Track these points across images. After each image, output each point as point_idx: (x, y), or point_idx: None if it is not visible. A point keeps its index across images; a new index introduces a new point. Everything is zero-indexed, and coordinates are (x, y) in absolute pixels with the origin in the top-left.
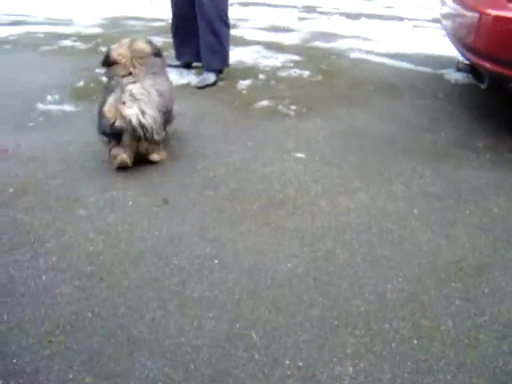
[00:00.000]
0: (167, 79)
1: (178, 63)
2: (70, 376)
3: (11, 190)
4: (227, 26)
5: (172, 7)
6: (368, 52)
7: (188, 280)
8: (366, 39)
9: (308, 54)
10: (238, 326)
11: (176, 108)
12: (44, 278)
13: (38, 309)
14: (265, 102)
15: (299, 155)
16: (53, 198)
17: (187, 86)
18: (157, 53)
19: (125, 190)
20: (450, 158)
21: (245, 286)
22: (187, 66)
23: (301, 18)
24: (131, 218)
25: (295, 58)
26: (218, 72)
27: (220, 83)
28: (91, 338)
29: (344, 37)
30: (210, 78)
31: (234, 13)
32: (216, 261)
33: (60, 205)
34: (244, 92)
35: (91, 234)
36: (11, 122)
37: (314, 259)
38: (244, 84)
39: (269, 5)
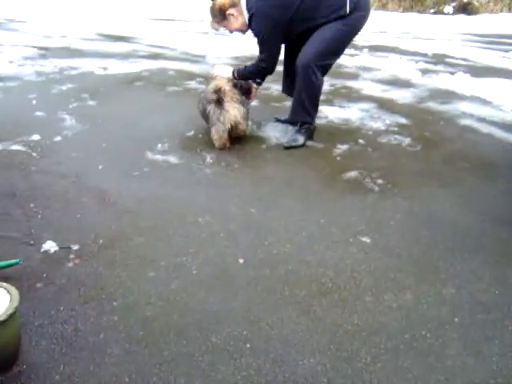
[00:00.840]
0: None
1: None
2: None
3: (101, 241)
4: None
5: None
6: (480, 119)
7: (218, 360)
8: (484, 102)
9: (417, 116)
10: None
11: (267, 171)
12: (102, 335)
13: (88, 365)
14: (353, 173)
15: (364, 239)
16: (133, 255)
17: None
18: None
19: (194, 257)
20: None
21: (264, 376)
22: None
23: (424, 71)
24: (191, 287)
25: (402, 121)
26: (308, 132)
27: (319, 145)
28: None
29: (462, 98)
30: (299, 139)
31: (362, 60)
32: (248, 345)
33: (136, 264)
34: (338, 159)
35: (153, 298)
36: (121, 168)
37: (337, 359)
38: (341, 149)
39: (400, 51)
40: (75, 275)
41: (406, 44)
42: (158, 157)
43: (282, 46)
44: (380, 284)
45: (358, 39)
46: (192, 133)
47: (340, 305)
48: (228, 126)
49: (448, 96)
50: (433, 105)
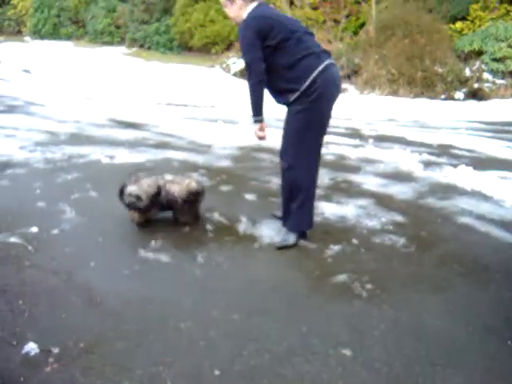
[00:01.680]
0: None
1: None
2: None
3: (82, 344)
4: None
5: None
6: (478, 217)
7: None
8: (485, 197)
9: (415, 214)
10: None
11: (255, 274)
12: None
13: None
14: (343, 277)
15: (345, 352)
16: (111, 362)
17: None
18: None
19: (171, 367)
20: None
21: None
22: None
23: (427, 164)
24: None
25: (399, 219)
26: (300, 233)
27: (311, 245)
28: None
29: (462, 193)
30: (290, 239)
31: (365, 151)
32: None
33: (113, 371)
34: (329, 260)
35: None
36: (112, 266)
37: None
38: (333, 250)
39: (405, 141)
40: (51, 381)
41: (412, 134)
42: (150, 255)
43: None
44: None
45: (365, 128)
46: (187, 229)
47: None
48: None
49: (448, 191)
50: (432, 201)
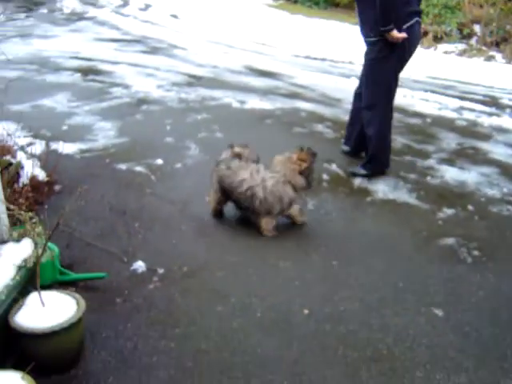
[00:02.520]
0: None
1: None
2: None
3: (185, 269)
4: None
5: None
6: None
7: None
8: None
9: None
10: None
11: (362, 225)
12: (155, 358)
13: (132, 383)
14: (450, 240)
15: (437, 312)
16: (209, 287)
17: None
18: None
19: (263, 300)
20: None
21: None
22: None
23: None
24: (250, 329)
25: None
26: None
27: (424, 206)
28: None
29: None
30: (361, 171)
31: (500, 120)
32: None
33: (209, 296)
34: (439, 223)
35: (212, 332)
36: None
37: None
38: (446, 213)
39: None
40: (152, 297)
41: None
42: None
43: None
44: (436, 361)
45: (504, 97)
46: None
47: (388, 374)
48: None
49: None
50: None
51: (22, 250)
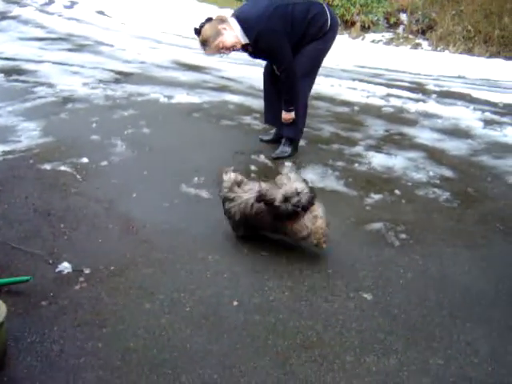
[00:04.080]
0: None
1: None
2: None
3: (112, 268)
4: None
5: None
6: None
7: None
8: None
9: (465, 170)
10: None
11: None
12: (82, 360)
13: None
14: (378, 225)
15: (366, 296)
16: (136, 285)
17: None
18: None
19: (192, 294)
20: None
21: None
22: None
23: (489, 122)
24: (179, 324)
25: (447, 173)
26: (295, 145)
27: (352, 192)
28: None
29: None
30: (287, 150)
31: (426, 106)
32: None
33: (137, 294)
34: (367, 208)
35: (140, 330)
36: (153, 198)
37: None
38: (373, 198)
39: (470, 99)
40: (78, 298)
41: (479, 93)
42: (191, 190)
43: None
44: (366, 345)
45: (430, 84)
46: (231, 168)
47: (318, 361)
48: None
49: (506, 150)
50: (485, 158)
51: None
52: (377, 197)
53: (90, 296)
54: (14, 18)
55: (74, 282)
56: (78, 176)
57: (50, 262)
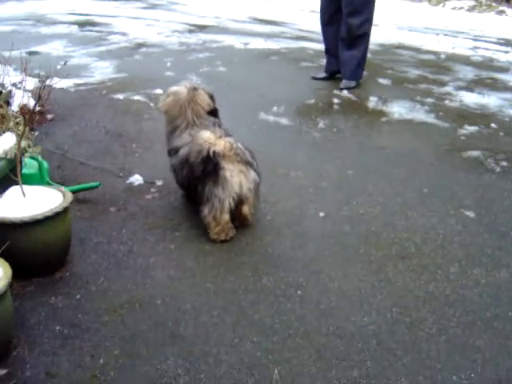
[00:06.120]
0: None
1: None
2: None
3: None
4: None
5: None
6: None
7: (260, 301)
8: None
9: None
10: None
11: (379, 141)
12: (152, 260)
13: (126, 283)
14: (475, 153)
15: (468, 214)
16: None
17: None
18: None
19: (273, 205)
20: None
21: (305, 324)
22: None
23: None
24: (259, 232)
25: None
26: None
27: (444, 124)
28: None
29: None
30: (352, 83)
31: None
32: (299, 292)
33: None
34: (462, 138)
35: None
36: (230, 123)
37: (395, 322)
38: (468, 130)
39: None
40: (149, 206)
41: None
42: (271, 117)
43: None
44: (472, 258)
45: None
46: (312, 101)
47: (417, 270)
48: (229, 202)
49: None
50: None
51: (3, 143)
52: (471, 128)
53: (163, 204)
54: None
55: (146, 193)
56: (151, 104)
57: (121, 175)
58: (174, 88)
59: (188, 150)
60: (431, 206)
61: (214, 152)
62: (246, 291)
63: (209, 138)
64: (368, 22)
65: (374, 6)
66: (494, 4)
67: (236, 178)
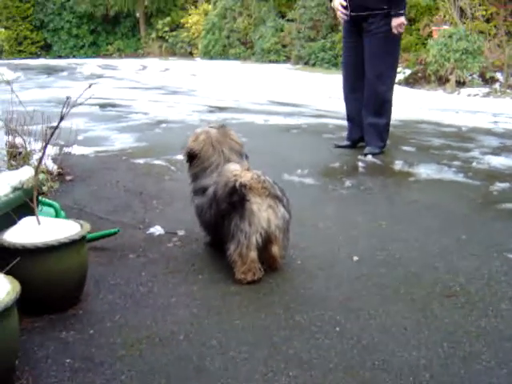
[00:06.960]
0: None
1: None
2: None
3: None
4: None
5: None
6: None
7: (294, 337)
8: None
9: None
10: None
11: (408, 196)
12: (174, 299)
13: (145, 319)
14: (511, 205)
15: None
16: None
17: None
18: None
19: (302, 251)
20: None
21: (347, 360)
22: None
23: None
24: (291, 274)
25: None
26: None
27: (474, 182)
28: None
29: None
30: (376, 149)
31: None
32: (337, 328)
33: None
34: (494, 193)
35: None
36: None
37: (448, 356)
38: (499, 186)
39: None
40: (170, 252)
41: None
42: (295, 178)
43: None
44: None
45: None
46: (336, 164)
47: (466, 307)
48: (256, 238)
49: None
50: None
51: (21, 175)
52: (503, 185)
53: (185, 251)
54: (109, 77)
55: (167, 241)
56: (173, 167)
57: (141, 226)
58: (200, 129)
59: (216, 185)
60: (472, 251)
61: (240, 184)
62: (279, 328)
63: (235, 169)
64: (392, 90)
65: (395, 73)
66: (508, 91)
67: (264, 213)
